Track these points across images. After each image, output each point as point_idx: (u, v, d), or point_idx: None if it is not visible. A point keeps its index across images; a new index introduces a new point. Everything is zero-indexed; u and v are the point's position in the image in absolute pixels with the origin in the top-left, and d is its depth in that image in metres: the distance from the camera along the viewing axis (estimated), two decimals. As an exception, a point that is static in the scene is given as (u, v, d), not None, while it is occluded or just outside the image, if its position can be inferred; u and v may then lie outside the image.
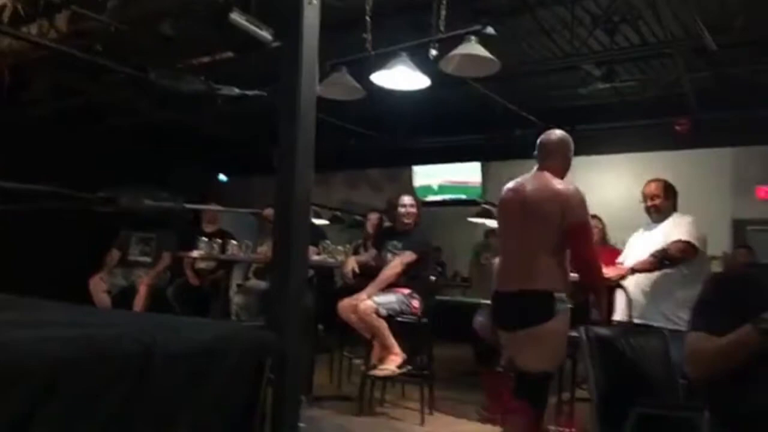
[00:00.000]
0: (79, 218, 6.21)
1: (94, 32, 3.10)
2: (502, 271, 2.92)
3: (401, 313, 4.14)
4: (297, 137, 1.41)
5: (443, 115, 7.74)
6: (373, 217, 5.27)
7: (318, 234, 5.19)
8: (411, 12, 4.39)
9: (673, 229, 3.54)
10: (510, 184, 2.98)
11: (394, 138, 8.49)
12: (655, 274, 3.47)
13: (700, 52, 5.31)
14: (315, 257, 4.63)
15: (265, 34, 2.00)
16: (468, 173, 9.02)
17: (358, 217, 8.80)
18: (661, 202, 3.68)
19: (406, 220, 4.34)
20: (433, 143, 8.54)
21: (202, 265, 5.88)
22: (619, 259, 3.86)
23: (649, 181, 3.80)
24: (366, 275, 4.64)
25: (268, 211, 4.57)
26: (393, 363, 4.01)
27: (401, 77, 4.03)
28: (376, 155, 9.06)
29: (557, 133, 3.01)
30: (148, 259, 5.81)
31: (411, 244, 4.27)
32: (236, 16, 1.99)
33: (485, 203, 7.85)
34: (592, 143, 7.28)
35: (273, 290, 1.57)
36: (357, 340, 4.47)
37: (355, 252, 5.25)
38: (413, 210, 4.36)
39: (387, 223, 5.08)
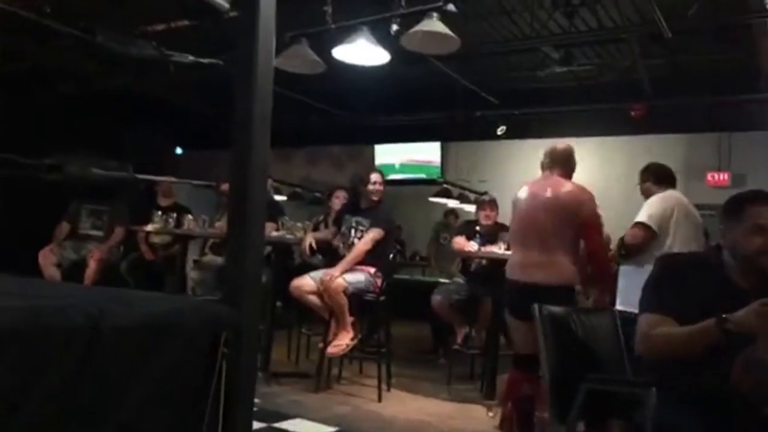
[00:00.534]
0: (29, 189, 6.00)
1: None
2: (522, 263, 3.14)
3: (367, 291, 4.15)
4: (253, 108, 1.37)
5: (405, 94, 7.73)
6: (342, 194, 5.23)
7: (277, 210, 5.14)
8: (373, -14, 4.34)
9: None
10: (528, 185, 3.27)
11: (355, 115, 8.45)
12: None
13: (655, 38, 5.42)
14: (273, 233, 4.58)
15: (221, 1, 1.94)
16: (428, 152, 9.05)
17: (318, 194, 8.76)
18: (641, 186, 3.83)
19: (374, 197, 4.32)
20: (394, 121, 8.53)
21: (156, 239, 5.76)
22: None
23: None
24: (323, 252, 4.63)
25: (226, 186, 4.49)
26: (345, 338, 4.03)
27: (362, 52, 3.98)
28: (338, 132, 9.00)
29: (563, 144, 3.33)
30: (99, 233, 5.65)
31: (378, 221, 4.26)
32: (191, -19, 1.92)
33: (445, 183, 7.90)
34: (550, 126, 7.40)
35: (229, 264, 1.54)
36: (315, 318, 4.46)
37: (315, 228, 5.22)
38: (381, 188, 4.36)
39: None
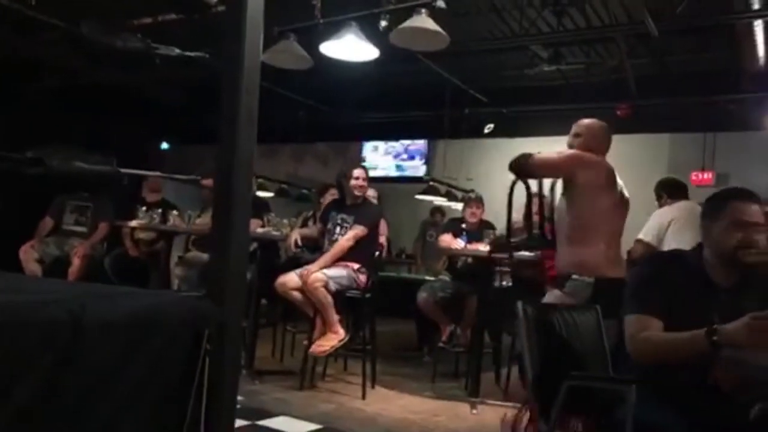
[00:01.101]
0: (11, 184, 5.92)
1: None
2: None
3: (349, 288, 4.14)
4: (239, 104, 1.36)
5: (393, 91, 7.72)
6: (335, 191, 5.22)
7: (262, 207, 5.11)
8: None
9: None
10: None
11: (343, 112, 8.43)
12: None
13: (641, 37, 5.47)
14: (259, 230, 4.56)
15: (209, -5, 1.92)
16: (416, 150, 9.06)
17: (305, 191, 8.73)
18: (659, 203, 4.11)
19: (357, 193, 4.30)
20: (381, 119, 8.52)
21: (141, 235, 5.72)
22: None
23: None
24: (311, 249, 4.61)
25: (208, 181, 4.45)
26: (333, 340, 4.01)
27: (350, 47, 3.97)
28: (325, 129, 8.98)
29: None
30: (83, 229, 5.60)
31: (362, 218, 4.25)
32: (179, -25, 1.91)
33: (432, 180, 7.91)
34: (537, 124, 7.44)
35: (213, 260, 1.53)
36: (300, 315, 4.45)
37: (304, 223, 5.20)
38: (365, 183, 4.34)
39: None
